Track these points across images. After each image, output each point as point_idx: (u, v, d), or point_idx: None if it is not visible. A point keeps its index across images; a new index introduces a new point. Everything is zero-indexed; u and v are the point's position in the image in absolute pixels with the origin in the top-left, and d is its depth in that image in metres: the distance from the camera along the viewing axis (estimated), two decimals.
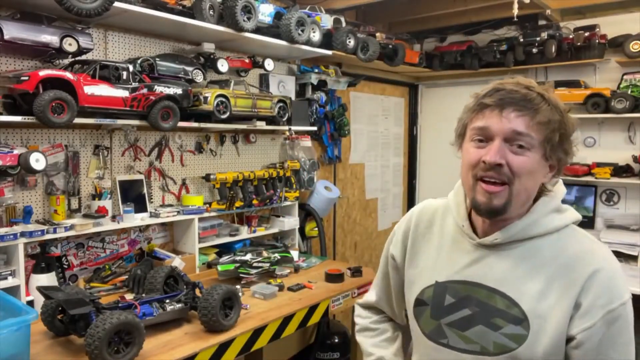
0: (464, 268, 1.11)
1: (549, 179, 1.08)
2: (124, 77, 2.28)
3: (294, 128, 3.27)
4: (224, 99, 2.69)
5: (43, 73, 1.96)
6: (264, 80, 3.34)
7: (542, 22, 4.15)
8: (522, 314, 1.02)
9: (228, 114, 2.72)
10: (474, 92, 1.09)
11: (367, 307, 1.45)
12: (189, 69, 2.63)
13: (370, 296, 1.43)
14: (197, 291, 2.11)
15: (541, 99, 1.00)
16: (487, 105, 1.02)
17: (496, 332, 1.04)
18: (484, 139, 1.03)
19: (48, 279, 2.14)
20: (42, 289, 1.82)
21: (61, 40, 2.10)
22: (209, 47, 2.81)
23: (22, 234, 2.05)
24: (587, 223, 3.85)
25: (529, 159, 1.00)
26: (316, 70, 3.60)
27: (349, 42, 3.42)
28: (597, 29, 3.82)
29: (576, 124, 1.05)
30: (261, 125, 3.00)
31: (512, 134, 0.99)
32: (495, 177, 1.00)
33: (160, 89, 2.39)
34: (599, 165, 3.85)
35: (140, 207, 2.57)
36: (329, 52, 3.33)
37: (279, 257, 2.78)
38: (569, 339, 1.00)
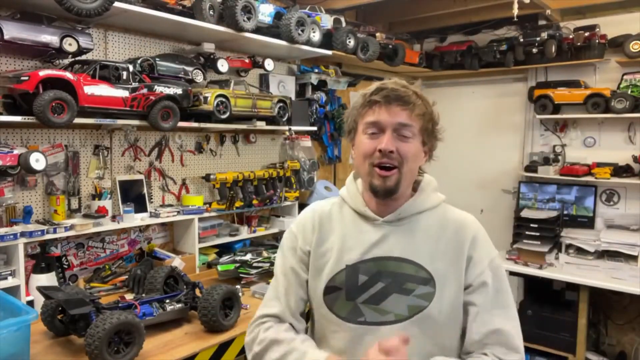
0: (371, 247, 1.24)
1: (424, 162, 1.29)
2: (124, 77, 2.28)
3: (294, 128, 3.27)
4: (224, 99, 2.69)
5: (43, 73, 1.96)
6: (264, 80, 3.34)
7: (542, 22, 4.15)
8: (428, 274, 1.19)
9: (228, 114, 2.72)
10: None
11: (265, 320, 1.31)
12: (189, 69, 2.63)
13: (271, 309, 1.32)
14: (197, 291, 2.11)
15: (416, 96, 1.21)
16: (376, 102, 1.20)
17: (409, 295, 1.19)
18: (377, 131, 1.20)
19: (48, 279, 2.14)
20: (42, 289, 1.82)
21: (61, 40, 2.10)
22: (209, 47, 2.81)
23: (22, 234, 2.05)
24: (587, 223, 3.85)
25: (413, 145, 1.20)
26: (316, 70, 3.60)
27: (349, 42, 3.42)
28: (597, 29, 3.81)
29: (438, 115, 1.27)
30: (261, 125, 3.00)
31: (399, 125, 1.19)
32: (388, 163, 1.18)
33: (160, 89, 2.39)
34: (599, 165, 3.84)
35: (140, 207, 2.57)
36: (329, 52, 3.33)
37: None
38: (467, 287, 1.21)
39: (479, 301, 1.20)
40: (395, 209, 1.25)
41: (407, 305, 1.19)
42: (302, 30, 2.99)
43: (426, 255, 1.21)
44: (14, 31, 1.97)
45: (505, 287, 1.24)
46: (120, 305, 1.89)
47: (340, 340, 1.24)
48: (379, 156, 1.19)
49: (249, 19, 2.68)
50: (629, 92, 3.67)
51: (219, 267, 2.61)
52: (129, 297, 2.12)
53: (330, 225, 1.32)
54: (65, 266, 2.37)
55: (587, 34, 3.82)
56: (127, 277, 2.41)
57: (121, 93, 2.25)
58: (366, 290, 1.21)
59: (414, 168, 1.24)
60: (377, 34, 3.81)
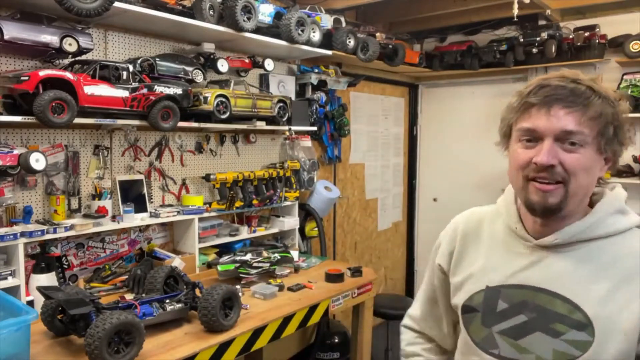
0: (519, 271, 1.04)
1: (604, 173, 1.03)
2: (124, 77, 2.28)
3: (294, 128, 3.27)
4: (224, 99, 2.69)
5: (43, 73, 1.96)
6: (264, 80, 3.34)
7: (542, 22, 4.15)
8: (586, 319, 0.96)
9: (228, 114, 2.72)
10: (516, 89, 1.06)
11: (414, 329, 1.36)
12: (189, 69, 2.63)
13: (414, 311, 1.36)
14: (197, 291, 2.11)
15: (591, 92, 0.96)
16: (533, 104, 0.97)
17: (557, 338, 0.98)
18: (533, 139, 0.98)
19: (48, 279, 2.14)
20: (42, 289, 1.82)
21: (61, 40, 2.10)
22: (209, 47, 2.81)
23: (22, 234, 2.05)
24: None
25: (583, 156, 0.95)
26: (316, 70, 3.60)
27: (349, 42, 3.42)
28: (597, 29, 3.81)
29: (628, 111, 1.00)
30: (261, 125, 3.00)
31: (563, 133, 0.94)
32: (548, 178, 0.96)
33: (160, 89, 2.39)
34: None
35: (140, 207, 2.57)
36: (329, 52, 3.33)
37: (279, 257, 2.78)
38: None
39: None
40: (556, 230, 1.02)
41: (553, 349, 0.98)
42: (302, 30, 2.99)
43: (587, 294, 0.97)
44: (14, 31, 1.97)
45: None
46: (120, 305, 1.89)
47: None
48: (535, 169, 0.97)
49: (249, 19, 2.68)
50: (629, 92, 3.67)
51: (219, 267, 2.61)
52: (129, 297, 2.12)
53: (477, 237, 1.16)
54: (65, 266, 2.37)
55: (587, 34, 3.83)
56: (127, 277, 2.41)
57: (121, 93, 2.25)
58: (505, 320, 1.04)
59: (587, 183, 0.98)
60: (377, 34, 3.81)
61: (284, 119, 3.13)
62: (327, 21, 3.39)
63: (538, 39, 3.94)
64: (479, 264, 1.12)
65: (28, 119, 1.99)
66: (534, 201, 0.99)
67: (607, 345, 0.95)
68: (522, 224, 1.08)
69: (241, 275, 2.58)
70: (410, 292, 5.19)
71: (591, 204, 1.05)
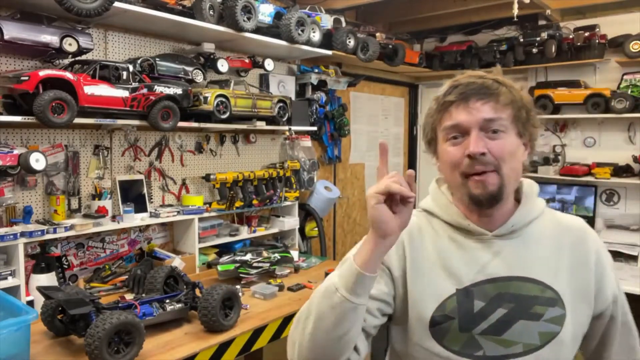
0: (485, 266, 1.05)
1: (526, 157, 1.09)
2: (124, 77, 2.28)
3: (294, 128, 3.27)
4: (224, 99, 2.69)
5: (43, 73, 1.96)
6: (264, 80, 3.34)
7: (542, 22, 4.15)
8: (555, 294, 1.03)
9: (228, 114, 2.72)
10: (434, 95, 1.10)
11: None
12: (189, 69, 2.63)
13: None
14: (197, 291, 2.11)
15: (497, 84, 1.03)
16: (452, 102, 1.03)
17: (539, 321, 1.01)
18: (459, 134, 1.03)
19: (48, 279, 2.14)
20: (42, 289, 1.82)
21: (61, 40, 2.10)
22: (209, 47, 2.81)
23: (22, 234, 2.05)
24: (587, 223, 3.84)
25: (506, 141, 1.01)
26: (316, 70, 3.60)
27: (349, 42, 3.42)
28: (597, 29, 3.82)
29: (531, 100, 1.08)
30: (261, 125, 3.00)
31: (485, 122, 1.01)
32: (482, 168, 1.00)
33: (160, 89, 2.39)
34: (599, 165, 3.85)
35: (140, 207, 2.56)
36: (329, 52, 3.33)
37: (279, 257, 2.78)
38: (599, 314, 1.09)
39: (616, 327, 1.11)
40: (501, 220, 1.06)
41: (538, 332, 1.01)
42: (302, 30, 2.99)
43: (548, 271, 1.04)
44: (14, 31, 1.97)
45: (628, 310, 1.14)
46: (120, 305, 1.89)
47: None
48: (469, 163, 1.00)
49: (249, 19, 2.68)
50: (629, 92, 3.67)
51: (219, 267, 2.61)
52: (129, 297, 2.12)
53: (422, 241, 1.10)
54: (65, 266, 2.37)
55: (587, 34, 3.83)
56: (127, 277, 2.41)
57: (121, 93, 2.25)
58: (484, 319, 1.02)
59: (516, 166, 1.04)
60: (377, 34, 3.81)
61: (284, 119, 3.13)
62: (327, 21, 3.39)
63: (538, 39, 3.94)
64: (436, 271, 1.06)
65: (28, 119, 1.99)
66: (477, 194, 1.02)
67: (577, 313, 1.04)
68: (470, 221, 1.08)
69: (241, 275, 2.58)
70: None
71: (516, 198, 1.12)
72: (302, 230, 3.50)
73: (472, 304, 1.03)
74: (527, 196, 1.10)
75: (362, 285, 0.92)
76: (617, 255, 3.47)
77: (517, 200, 1.11)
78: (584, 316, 1.06)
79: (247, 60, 3.04)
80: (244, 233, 3.03)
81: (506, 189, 1.03)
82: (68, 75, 2.04)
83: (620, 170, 3.73)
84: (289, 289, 2.55)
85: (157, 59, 2.50)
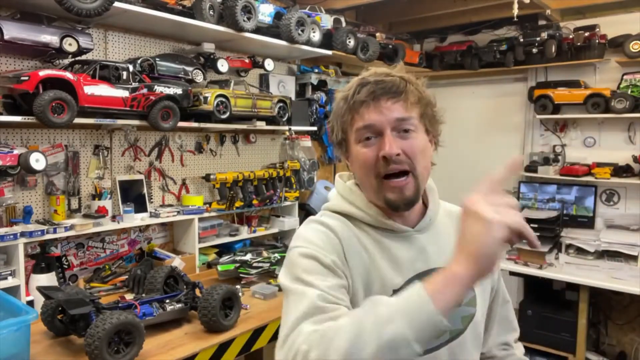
0: (413, 262, 1.04)
1: (432, 153, 1.09)
2: (124, 77, 2.28)
3: (294, 128, 3.27)
4: (224, 99, 2.69)
5: (43, 73, 1.96)
6: (264, 80, 3.34)
7: (542, 22, 4.14)
8: None
9: (228, 114, 2.72)
10: (341, 92, 1.07)
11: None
12: (189, 69, 2.63)
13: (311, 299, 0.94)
14: (197, 291, 2.11)
15: (404, 82, 1.02)
16: (362, 102, 1.01)
17: (460, 306, 1.00)
18: (372, 135, 1.01)
19: (48, 279, 2.14)
20: (42, 289, 1.82)
21: (61, 40, 2.10)
22: (209, 47, 2.81)
23: (22, 234, 2.05)
24: (587, 223, 3.85)
25: (416, 140, 1.01)
26: (316, 70, 3.60)
27: (349, 42, 3.42)
28: (597, 29, 3.81)
29: (434, 96, 1.09)
30: (261, 125, 3.00)
31: (397, 122, 1.00)
32: (397, 167, 0.99)
33: (160, 89, 2.39)
34: (599, 165, 3.84)
35: (140, 207, 2.56)
36: (329, 52, 3.33)
37: (279, 257, 2.78)
38: (490, 288, 1.16)
39: (499, 301, 1.19)
40: (415, 215, 1.08)
41: (461, 317, 1.05)
42: (302, 30, 2.99)
43: None
44: (14, 31, 1.97)
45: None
46: (120, 305, 1.89)
47: None
48: (384, 165, 0.99)
49: (249, 19, 2.68)
50: (629, 92, 3.67)
51: (219, 267, 2.61)
52: (129, 297, 2.12)
53: (351, 245, 1.03)
54: (65, 266, 2.37)
55: (587, 34, 3.82)
56: (127, 277, 2.41)
57: (121, 93, 2.25)
58: None
59: (427, 165, 1.05)
60: (377, 34, 3.81)
61: (284, 119, 3.13)
62: (327, 21, 3.39)
63: (538, 39, 3.94)
64: (372, 273, 1.01)
65: (28, 119, 1.99)
66: (393, 199, 1.01)
67: (483, 290, 1.12)
68: (391, 219, 1.06)
69: (241, 275, 2.58)
70: None
71: None
72: None
73: None
74: (431, 189, 1.14)
75: (438, 334, 0.77)
76: (617, 255, 3.47)
77: None
78: (486, 292, 1.14)
79: (247, 60, 3.04)
80: (244, 233, 3.03)
81: (421, 190, 1.04)
82: (68, 75, 2.04)
83: (620, 170, 3.72)
84: None
85: (157, 59, 2.50)
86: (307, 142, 3.51)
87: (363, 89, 1.01)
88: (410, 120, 1.01)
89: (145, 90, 2.34)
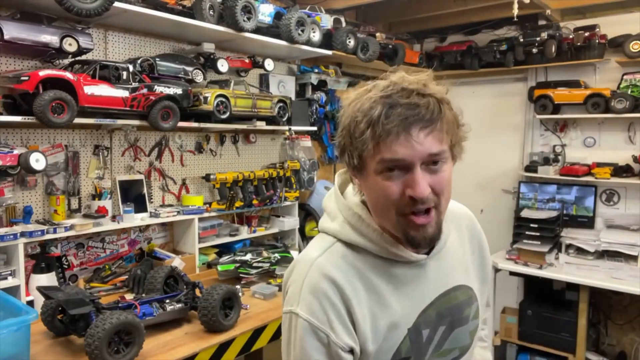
0: (423, 293, 0.98)
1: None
2: (124, 77, 2.28)
3: (294, 128, 3.27)
4: (224, 99, 2.69)
5: (43, 73, 1.96)
6: (264, 80, 3.34)
7: (542, 22, 4.15)
8: (472, 290, 1.06)
9: (228, 114, 2.72)
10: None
11: None
12: (189, 69, 2.63)
13: None
14: (197, 291, 2.11)
15: (435, 101, 0.87)
16: (389, 132, 0.85)
17: (468, 322, 1.04)
18: (397, 168, 0.87)
19: (48, 279, 2.14)
20: (42, 289, 1.82)
21: (61, 40, 2.10)
22: (209, 47, 2.81)
23: (22, 234, 2.05)
24: (587, 223, 3.85)
25: (446, 173, 0.90)
26: (316, 70, 3.59)
27: (349, 42, 3.42)
28: (597, 29, 3.81)
29: (461, 111, 0.95)
30: (261, 125, 3.00)
31: (429, 157, 0.87)
32: (424, 208, 0.89)
33: (160, 89, 2.39)
34: (599, 165, 3.84)
35: (140, 207, 2.56)
36: (329, 52, 3.33)
37: (279, 257, 2.78)
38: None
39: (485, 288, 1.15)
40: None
41: (469, 332, 1.04)
42: (302, 30, 2.99)
43: (464, 272, 1.06)
44: (14, 31, 1.97)
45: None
46: (120, 305, 1.89)
47: None
48: (410, 204, 0.87)
49: (249, 19, 2.68)
50: (629, 92, 3.67)
51: (219, 267, 2.61)
52: (129, 297, 2.13)
53: (356, 290, 0.93)
54: (65, 266, 2.37)
55: (587, 34, 3.82)
56: (127, 277, 2.41)
57: (121, 93, 2.25)
58: (430, 343, 0.99)
59: (450, 192, 0.94)
60: (377, 34, 3.81)
61: (284, 119, 3.13)
62: (327, 21, 3.39)
63: (538, 39, 3.94)
64: (383, 315, 0.94)
65: (28, 119, 1.99)
66: (416, 237, 0.91)
67: (482, 297, 1.10)
68: (406, 249, 0.97)
69: (241, 275, 2.58)
70: None
71: None
72: (302, 230, 3.50)
73: (421, 336, 0.97)
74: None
75: None
76: (617, 255, 3.47)
77: None
78: (484, 297, 1.13)
79: (247, 60, 3.04)
80: (244, 233, 3.03)
81: (442, 225, 0.94)
82: (68, 75, 2.04)
83: (620, 170, 3.72)
84: None
85: (157, 59, 2.50)
86: (307, 142, 3.51)
87: (392, 114, 0.85)
88: (443, 153, 0.89)
89: (145, 90, 2.34)
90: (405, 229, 0.90)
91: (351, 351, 0.92)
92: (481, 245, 1.14)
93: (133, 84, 2.31)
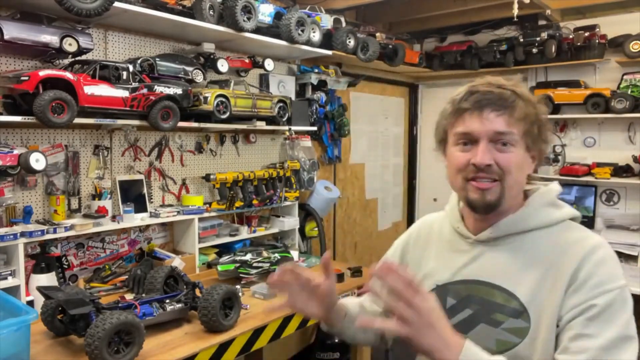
0: (462, 267, 1.12)
1: (532, 170, 1.11)
2: (124, 77, 2.28)
3: (294, 128, 3.27)
4: (224, 99, 2.69)
5: (43, 73, 1.96)
6: (264, 80, 3.34)
7: (542, 22, 4.15)
8: (521, 306, 1.01)
9: (228, 114, 2.72)
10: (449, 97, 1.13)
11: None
12: (189, 69, 2.63)
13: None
14: (197, 291, 2.11)
15: (515, 96, 1.04)
16: (466, 109, 1.05)
17: (497, 328, 1.03)
18: (469, 141, 1.05)
19: (48, 279, 2.14)
20: (42, 289, 1.82)
21: (61, 40, 2.10)
22: (209, 47, 2.81)
23: (22, 234, 2.05)
24: (587, 223, 3.84)
25: (514, 155, 1.03)
26: (316, 70, 3.59)
27: (349, 42, 3.42)
28: (597, 29, 3.82)
29: (547, 112, 1.10)
30: (261, 125, 3.00)
31: (495, 134, 1.02)
32: (486, 177, 1.03)
33: (160, 89, 2.39)
34: (599, 165, 3.85)
35: (140, 207, 2.56)
36: (329, 52, 3.33)
37: (279, 257, 2.78)
38: (559, 320, 0.97)
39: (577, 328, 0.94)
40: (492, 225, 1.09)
41: (496, 339, 1.03)
42: (302, 30, 2.99)
43: (520, 282, 1.03)
44: (14, 31, 1.97)
45: (607, 331, 0.91)
46: (120, 305, 1.89)
47: None
48: (473, 170, 1.04)
49: (249, 19, 2.68)
50: (629, 92, 3.67)
51: (219, 267, 2.61)
52: (129, 297, 2.12)
53: (427, 241, 1.24)
54: (65, 266, 2.37)
55: (587, 34, 3.83)
56: (127, 277, 2.41)
57: (121, 93, 2.25)
58: (454, 315, 1.08)
59: (520, 179, 1.07)
60: (377, 34, 3.81)
61: (284, 119, 3.13)
62: (327, 21, 3.39)
63: (538, 39, 3.94)
64: (430, 266, 1.18)
65: (28, 119, 1.99)
66: (473, 199, 1.06)
67: (540, 330, 0.99)
68: (463, 223, 1.16)
69: (241, 275, 2.58)
70: None
71: (526, 199, 1.12)
72: (302, 230, 3.50)
73: (445, 301, 1.10)
74: (529, 204, 1.09)
75: None
76: (616, 255, 3.46)
77: None
78: (548, 334, 0.98)
79: (247, 60, 3.04)
80: (244, 233, 3.03)
81: (505, 201, 1.05)
82: (68, 75, 2.04)
83: (620, 170, 3.73)
84: None
85: (157, 59, 2.50)
86: (307, 142, 3.51)
87: (471, 97, 1.05)
88: (511, 135, 1.03)
89: (145, 90, 2.34)
90: (467, 192, 1.06)
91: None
92: (560, 277, 0.99)
93: (133, 84, 2.31)
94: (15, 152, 2.02)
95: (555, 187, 1.15)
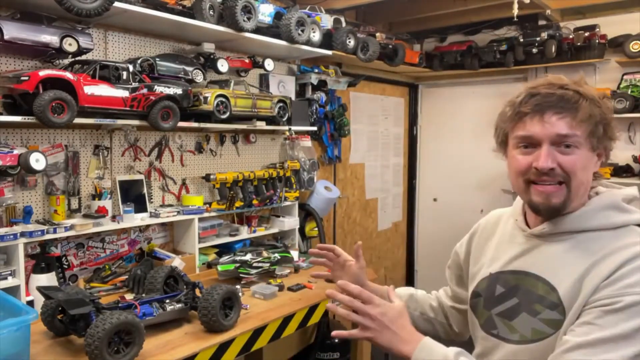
0: (514, 258, 1.14)
1: (598, 167, 1.09)
2: (124, 77, 2.28)
3: (294, 128, 3.27)
4: (224, 99, 2.69)
5: (43, 73, 1.96)
6: (264, 80, 3.34)
7: (542, 22, 4.15)
8: (558, 299, 1.03)
9: (228, 114, 2.72)
10: (507, 100, 1.13)
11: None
12: (189, 69, 2.63)
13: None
14: (197, 291, 2.11)
15: (578, 96, 1.02)
16: (526, 113, 1.04)
17: (535, 317, 1.06)
18: (530, 145, 1.05)
19: (48, 279, 2.14)
20: (42, 289, 1.82)
21: (61, 40, 2.10)
22: (209, 47, 2.81)
23: (22, 234, 2.05)
24: None
25: (578, 157, 1.01)
26: (316, 70, 3.60)
27: (349, 42, 3.42)
28: (597, 29, 3.82)
29: (612, 108, 1.07)
30: (261, 125, 3.00)
31: (558, 137, 1.01)
32: (549, 180, 1.03)
33: (160, 89, 2.39)
34: None
35: (140, 207, 2.56)
36: (329, 52, 3.33)
37: (279, 257, 2.78)
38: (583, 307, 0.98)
39: (578, 331, 0.95)
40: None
41: (532, 328, 1.06)
42: (302, 30, 2.99)
43: (563, 277, 1.02)
44: (14, 31, 1.97)
45: (619, 336, 0.90)
46: (120, 305, 1.88)
47: (479, 347, 1.21)
48: (535, 173, 1.03)
49: (249, 19, 2.68)
50: (629, 92, 3.67)
51: (219, 267, 2.61)
52: (129, 297, 2.12)
53: (492, 233, 1.27)
54: (65, 266, 2.37)
55: (587, 34, 3.83)
56: (127, 277, 2.41)
57: (121, 93, 2.25)
58: (502, 303, 1.13)
59: (586, 179, 1.05)
60: (377, 34, 3.81)
61: (284, 119, 3.13)
62: (327, 21, 3.39)
63: (538, 39, 3.94)
64: (489, 255, 1.23)
65: (28, 119, 1.99)
66: (537, 202, 1.06)
67: (572, 323, 1.00)
68: (523, 217, 1.18)
69: (241, 275, 2.58)
70: None
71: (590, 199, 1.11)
72: (302, 230, 3.50)
73: (495, 288, 1.16)
74: (587, 206, 1.06)
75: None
76: None
77: None
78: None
79: (247, 60, 3.04)
80: (244, 233, 3.03)
81: (572, 202, 1.05)
82: (68, 75, 2.04)
83: (620, 170, 3.72)
84: (289, 289, 2.55)
85: (157, 59, 2.50)
86: (307, 142, 3.52)
87: (531, 100, 1.04)
88: (574, 137, 1.01)
89: (145, 90, 2.34)
90: (530, 195, 1.07)
91: (457, 254, 1.40)
92: (609, 279, 0.97)
93: (133, 84, 2.31)
94: (15, 152, 2.02)
95: (623, 191, 1.09)
